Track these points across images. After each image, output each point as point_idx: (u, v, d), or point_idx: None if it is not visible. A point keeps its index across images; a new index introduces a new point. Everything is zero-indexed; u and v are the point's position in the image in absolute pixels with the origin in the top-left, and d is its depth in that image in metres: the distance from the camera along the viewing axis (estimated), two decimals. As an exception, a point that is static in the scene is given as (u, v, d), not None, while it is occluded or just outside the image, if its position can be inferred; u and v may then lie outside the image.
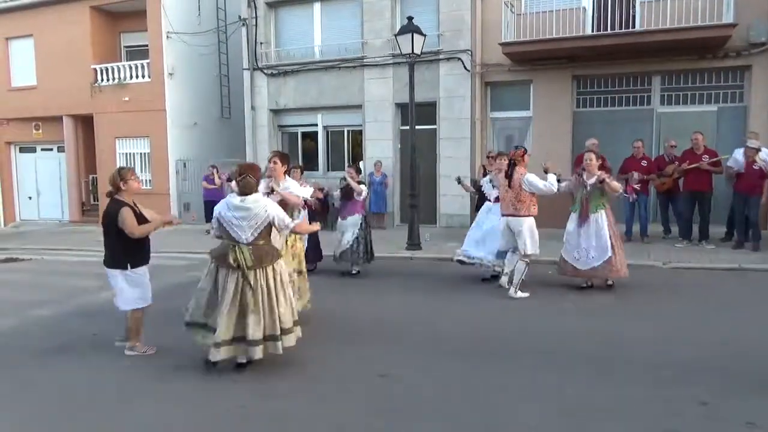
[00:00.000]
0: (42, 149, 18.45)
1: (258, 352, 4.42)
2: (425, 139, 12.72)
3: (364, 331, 5.60)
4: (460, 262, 7.70)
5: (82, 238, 14.12)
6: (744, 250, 8.80)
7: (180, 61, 15.98)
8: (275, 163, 5.78)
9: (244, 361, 4.54)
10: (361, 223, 8.17)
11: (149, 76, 15.99)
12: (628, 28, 10.93)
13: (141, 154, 16.65)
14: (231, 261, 4.41)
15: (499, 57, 12.03)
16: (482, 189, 7.99)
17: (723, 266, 8.00)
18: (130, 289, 4.97)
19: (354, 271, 8.33)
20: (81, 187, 17.86)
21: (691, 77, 11.28)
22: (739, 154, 9.12)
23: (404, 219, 11.84)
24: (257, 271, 4.45)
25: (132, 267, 4.94)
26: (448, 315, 6.16)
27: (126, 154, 16.82)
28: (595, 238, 6.64)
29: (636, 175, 9.48)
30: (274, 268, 4.56)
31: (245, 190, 4.53)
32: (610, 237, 6.64)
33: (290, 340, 4.57)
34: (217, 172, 13.56)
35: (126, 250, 4.89)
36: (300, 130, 14.99)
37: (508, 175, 6.81)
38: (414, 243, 10.24)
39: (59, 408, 4.04)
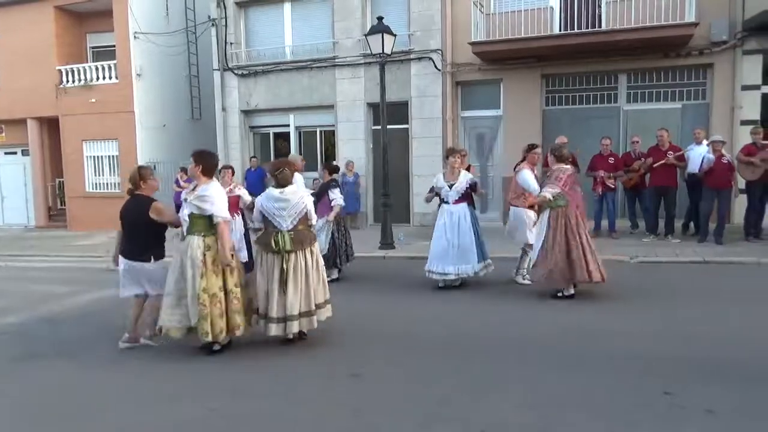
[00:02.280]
0: (5, 153, 17.97)
1: (295, 327, 4.95)
2: (397, 139, 12.78)
3: (337, 332, 5.59)
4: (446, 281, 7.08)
5: (50, 243, 13.81)
6: (708, 244, 9.03)
7: (148, 62, 15.75)
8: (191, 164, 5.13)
9: (290, 336, 5.05)
10: (331, 226, 7.81)
11: (116, 77, 15.72)
12: (595, 27, 11.15)
13: (109, 156, 16.36)
14: (273, 246, 4.93)
15: (469, 56, 12.15)
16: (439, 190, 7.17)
17: (688, 260, 8.20)
18: (148, 281, 5.21)
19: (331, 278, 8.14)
20: (47, 192, 17.46)
21: (656, 75, 11.55)
22: (700, 150, 9.37)
23: (378, 219, 11.87)
24: (297, 253, 4.98)
25: (155, 259, 5.22)
26: (420, 314, 6.19)
27: (94, 156, 16.52)
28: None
29: (602, 172, 9.71)
30: (312, 250, 5.12)
31: (283, 183, 5.08)
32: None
33: (323, 315, 5.17)
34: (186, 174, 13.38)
35: (155, 242, 5.22)
36: (272, 130, 14.92)
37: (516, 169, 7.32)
38: (387, 242, 10.27)
39: (29, 416, 3.96)
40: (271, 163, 5.52)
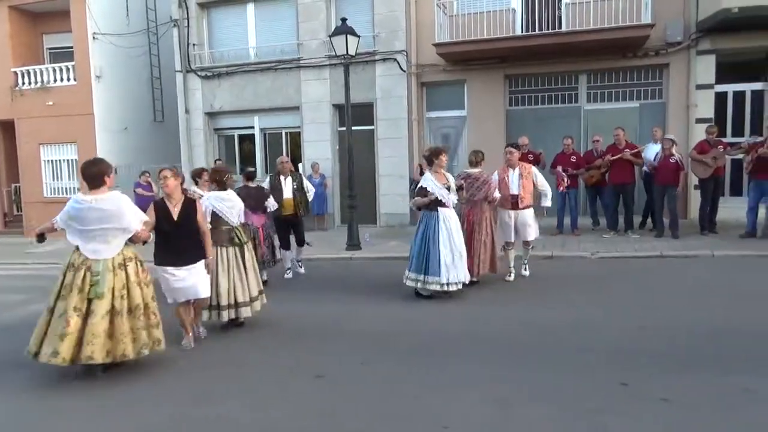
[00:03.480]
0: (-42, 158, 17.33)
1: (246, 312, 5.66)
2: (363, 140, 12.79)
3: (301, 333, 5.58)
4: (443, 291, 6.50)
5: (6, 250, 13.37)
6: (665, 239, 9.30)
7: (108, 63, 15.40)
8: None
9: (242, 320, 5.76)
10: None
11: (75, 79, 15.33)
12: (555, 29, 11.36)
13: (68, 160, 15.93)
14: (236, 240, 5.70)
15: (433, 57, 12.23)
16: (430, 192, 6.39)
17: (646, 254, 8.42)
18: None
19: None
20: (2, 197, 16.90)
21: (615, 75, 11.83)
22: (657, 149, 9.66)
23: (344, 220, 11.86)
24: (245, 245, 5.79)
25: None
26: (386, 314, 6.20)
27: (51, 161, 16.07)
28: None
29: (560, 169, 9.93)
30: (250, 245, 5.94)
31: (227, 186, 5.86)
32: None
33: (257, 306, 5.79)
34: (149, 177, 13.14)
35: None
36: (237, 132, 14.74)
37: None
38: (354, 243, 10.26)
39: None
40: (215, 169, 5.99)
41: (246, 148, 14.71)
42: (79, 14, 15.03)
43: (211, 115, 14.55)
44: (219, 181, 5.82)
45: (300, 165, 13.67)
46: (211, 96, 14.31)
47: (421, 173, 10.35)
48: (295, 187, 8.16)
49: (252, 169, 7.85)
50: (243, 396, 4.09)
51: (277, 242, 8.05)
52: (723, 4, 9.86)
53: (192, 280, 5.07)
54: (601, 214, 10.55)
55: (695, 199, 10.34)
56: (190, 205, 5.13)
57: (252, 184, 7.48)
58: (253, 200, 7.15)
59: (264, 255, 7.66)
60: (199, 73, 14.28)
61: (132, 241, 4.59)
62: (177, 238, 5.01)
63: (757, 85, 11.18)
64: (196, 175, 7.16)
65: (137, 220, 4.54)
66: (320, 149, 13.45)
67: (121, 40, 15.33)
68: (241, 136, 14.74)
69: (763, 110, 11.06)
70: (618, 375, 4.01)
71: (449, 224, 6.40)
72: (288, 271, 8.33)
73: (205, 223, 5.24)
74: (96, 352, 4.25)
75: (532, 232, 7.33)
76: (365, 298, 6.98)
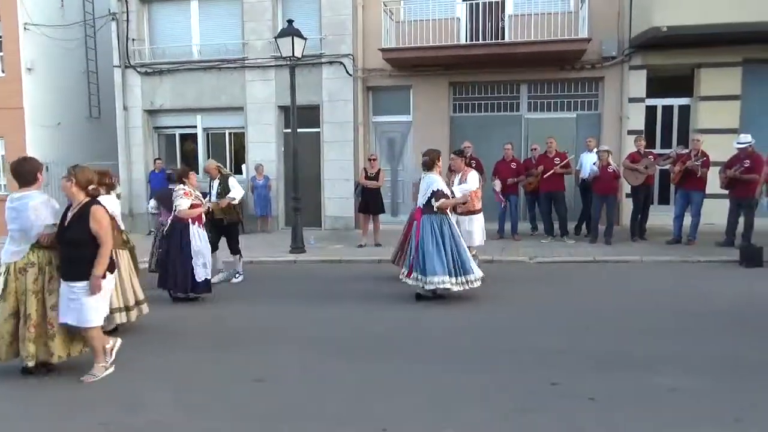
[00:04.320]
0: None
1: (133, 316, 5.65)
2: (309, 142, 12.72)
3: (241, 337, 5.50)
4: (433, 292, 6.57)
5: None
6: (599, 244, 9.71)
7: (40, 56, 14.67)
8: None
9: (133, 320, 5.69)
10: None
11: (3, 71, 14.53)
12: (498, 39, 11.69)
13: (-5, 156, 15.08)
14: (126, 241, 5.79)
15: (380, 62, 12.32)
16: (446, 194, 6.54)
17: (581, 259, 8.78)
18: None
19: None
20: None
21: (554, 86, 12.27)
22: (588, 158, 10.10)
23: (289, 222, 11.75)
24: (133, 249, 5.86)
25: None
26: (328, 317, 6.20)
27: (-24, 156, 15.15)
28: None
29: (497, 184, 10.18)
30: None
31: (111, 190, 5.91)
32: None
33: (144, 310, 5.83)
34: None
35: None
36: (178, 131, 14.35)
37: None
38: (298, 246, 10.18)
39: None
40: (101, 172, 5.60)
41: (188, 147, 14.35)
42: (9, 3, 14.23)
43: (151, 112, 14.11)
44: (109, 185, 5.77)
45: (243, 166, 13.48)
46: (151, 93, 13.88)
47: (367, 177, 10.46)
48: (218, 191, 7.81)
49: (170, 171, 7.87)
50: (178, 402, 3.99)
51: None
52: (653, 23, 10.40)
53: (76, 301, 4.31)
54: (539, 219, 10.90)
55: (627, 206, 10.84)
56: (85, 209, 4.35)
57: (174, 186, 7.48)
58: (168, 201, 7.17)
59: None
60: (138, 69, 13.83)
61: (39, 243, 4.38)
62: (63, 246, 4.37)
63: (684, 100, 11.86)
64: (183, 175, 6.98)
65: (39, 223, 4.32)
66: (265, 151, 13.28)
67: (55, 32, 14.65)
68: (182, 136, 14.36)
69: (689, 124, 11.76)
70: (549, 375, 4.16)
71: (453, 224, 6.55)
72: (219, 273, 8.08)
73: (104, 233, 4.33)
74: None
75: (477, 238, 7.44)
76: (308, 300, 6.95)
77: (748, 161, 8.71)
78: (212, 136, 14.16)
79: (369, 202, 10.54)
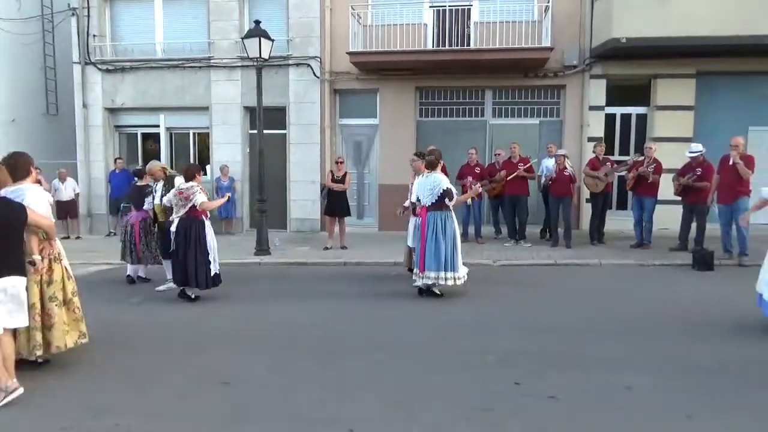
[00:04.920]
0: None
1: None
2: (275, 144, 12.67)
3: (206, 340, 5.44)
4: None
5: None
6: (559, 248, 9.96)
7: (-5, 50, 14.18)
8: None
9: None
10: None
11: (-46, 65, 13.99)
12: (464, 45, 11.88)
13: (-56, 153, 14.46)
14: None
15: (347, 65, 12.36)
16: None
17: (543, 262, 9.00)
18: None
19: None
20: None
21: (518, 93, 12.54)
22: (550, 163, 10.37)
23: (254, 224, 11.66)
24: None
25: None
26: (294, 318, 6.19)
27: (-76, 153, 14.49)
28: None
29: (472, 183, 10.31)
30: None
31: None
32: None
33: None
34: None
35: None
36: (140, 131, 14.07)
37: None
38: (263, 248, 10.12)
39: None
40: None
41: (150, 147, 14.08)
42: (-38, -6, 13.76)
43: (112, 111, 13.81)
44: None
45: (208, 167, 13.31)
46: (112, 91, 13.58)
47: (333, 179, 10.48)
48: (163, 192, 7.48)
49: (139, 168, 8.27)
50: (141, 406, 3.93)
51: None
52: (613, 34, 10.75)
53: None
54: (503, 223, 11.11)
55: (587, 211, 11.16)
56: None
57: (140, 182, 8.16)
58: (139, 198, 7.85)
59: (140, 252, 7.98)
60: (99, 66, 13.51)
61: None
62: None
63: (642, 109, 12.28)
64: (195, 173, 7.04)
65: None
66: (230, 152, 13.15)
67: (10, 26, 14.16)
68: (145, 135, 14.10)
69: (646, 132, 12.18)
70: (512, 375, 4.27)
71: (455, 222, 6.88)
72: (167, 281, 7.67)
73: (38, 216, 4.17)
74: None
75: None
76: (273, 302, 6.94)
77: (699, 169, 9.08)
78: (176, 135, 13.94)
79: (335, 204, 10.55)
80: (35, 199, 4.31)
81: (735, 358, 4.61)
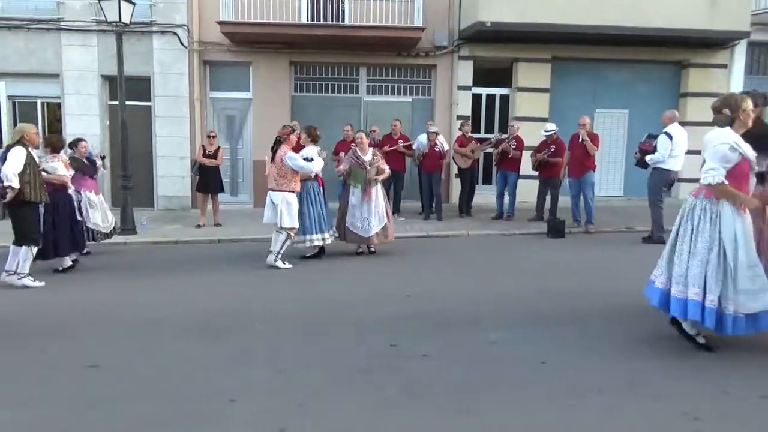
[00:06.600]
0: None
1: None
2: (139, 117, 11.88)
3: (69, 323, 5.07)
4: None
5: None
6: (431, 221, 10.46)
7: None
8: None
9: None
10: None
11: None
12: (339, 21, 11.87)
13: None
14: None
15: (218, 36, 11.85)
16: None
17: (416, 234, 9.41)
18: None
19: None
20: None
21: (391, 71, 12.83)
22: (423, 138, 10.81)
23: (117, 202, 10.87)
24: None
25: None
26: (166, 298, 5.95)
27: None
28: (375, 209, 7.69)
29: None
30: None
31: None
32: (385, 207, 7.84)
33: None
34: None
35: None
36: (-25, 99, 12.44)
37: (273, 152, 7.31)
38: (128, 227, 9.51)
39: None
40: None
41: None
42: None
43: (-62, 75, 12.05)
44: None
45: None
46: (-62, 52, 11.84)
47: (205, 154, 10.09)
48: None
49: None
50: (2, 396, 3.60)
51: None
52: (479, 18, 11.35)
53: None
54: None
55: (456, 186, 11.79)
56: None
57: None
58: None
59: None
60: None
61: None
62: None
63: (505, 90, 13.14)
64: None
65: None
66: (87, 124, 12.08)
67: None
68: (-20, 104, 12.49)
69: (509, 111, 13.06)
70: (388, 338, 4.48)
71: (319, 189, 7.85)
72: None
73: None
74: None
75: (286, 219, 7.23)
76: (141, 282, 6.61)
77: (553, 146, 9.98)
78: (20, 105, 12.50)
79: (208, 180, 10.18)
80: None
81: (578, 312, 5.19)
